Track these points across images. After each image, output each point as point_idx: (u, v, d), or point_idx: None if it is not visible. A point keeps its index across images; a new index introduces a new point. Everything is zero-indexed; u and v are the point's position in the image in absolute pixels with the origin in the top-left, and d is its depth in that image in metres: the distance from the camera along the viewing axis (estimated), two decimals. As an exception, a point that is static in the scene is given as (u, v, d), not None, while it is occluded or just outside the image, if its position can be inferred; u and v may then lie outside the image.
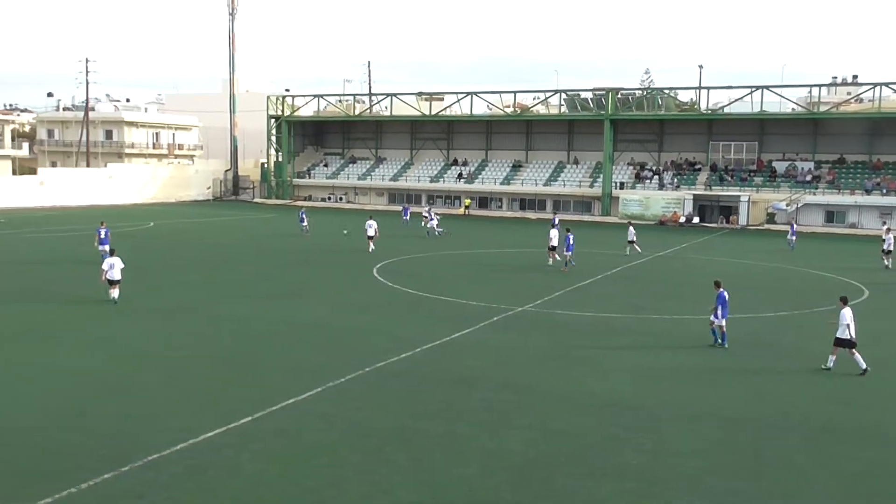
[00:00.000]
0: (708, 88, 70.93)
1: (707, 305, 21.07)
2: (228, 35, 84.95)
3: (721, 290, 19.85)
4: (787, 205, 62.24)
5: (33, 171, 76.59)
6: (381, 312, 23.86)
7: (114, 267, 24.02)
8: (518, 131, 79.45)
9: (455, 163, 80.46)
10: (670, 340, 20.73)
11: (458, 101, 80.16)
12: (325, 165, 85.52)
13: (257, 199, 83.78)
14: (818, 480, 11.81)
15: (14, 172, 77.24)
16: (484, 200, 75.81)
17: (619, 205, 67.78)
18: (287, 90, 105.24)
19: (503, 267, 35.01)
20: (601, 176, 71.18)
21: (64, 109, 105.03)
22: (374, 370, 17.02)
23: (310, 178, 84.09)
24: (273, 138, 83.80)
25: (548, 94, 78.17)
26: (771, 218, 62.51)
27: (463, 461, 12.12)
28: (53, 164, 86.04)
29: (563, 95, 75.28)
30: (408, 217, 56.66)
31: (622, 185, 70.44)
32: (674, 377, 17.29)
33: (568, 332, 21.42)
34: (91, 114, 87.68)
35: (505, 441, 13.04)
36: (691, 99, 79.76)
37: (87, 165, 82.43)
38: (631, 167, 73.29)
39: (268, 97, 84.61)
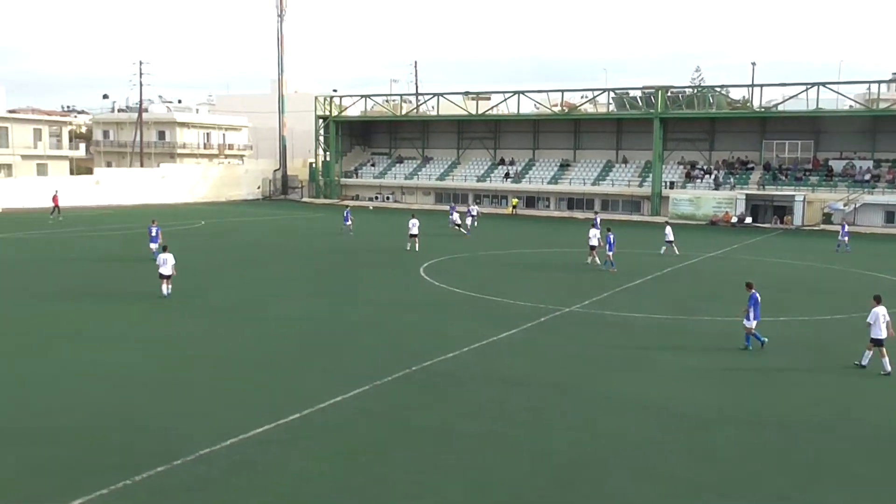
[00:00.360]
0: (761, 86, 69.59)
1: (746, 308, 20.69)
2: (277, 36, 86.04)
3: (753, 291, 19.56)
4: (845, 205, 60.81)
5: (89, 171, 78.47)
6: (427, 312, 23.94)
7: (166, 263, 25.03)
8: (565, 130, 79.02)
9: (502, 162, 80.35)
10: (722, 342, 20.42)
11: (505, 100, 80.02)
12: (373, 165, 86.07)
13: (305, 199, 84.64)
14: (877, 487, 11.55)
15: (71, 172, 79.38)
16: (531, 200, 75.56)
17: (669, 204, 66.95)
18: (335, 90, 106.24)
19: (551, 267, 34.84)
20: (650, 175, 70.41)
21: (119, 111, 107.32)
22: (420, 369, 17.10)
23: (357, 177, 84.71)
24: (321, 138, 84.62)
25: (596, 93, 77.60)
26: (827, 218, 61.11)
27: (509, 461, 12.11)
28: (108, 164, 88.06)
29: (612, 94, 74.63)
30: (454, 216, 56.71)
31: (672, 185, 69.59)
32: (725, 380, 17.05)
33: (616, 333, 21.25)
34: (145, 115, 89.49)
35: (551, 442, 13.00)
36: (743, 97, 78.38)
37: (141, 165, 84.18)
38: (681, 166, 72.36)
39: (316, 98, 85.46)
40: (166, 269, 24.95)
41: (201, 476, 11.18)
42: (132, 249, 37.79)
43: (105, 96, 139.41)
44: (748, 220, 62.90)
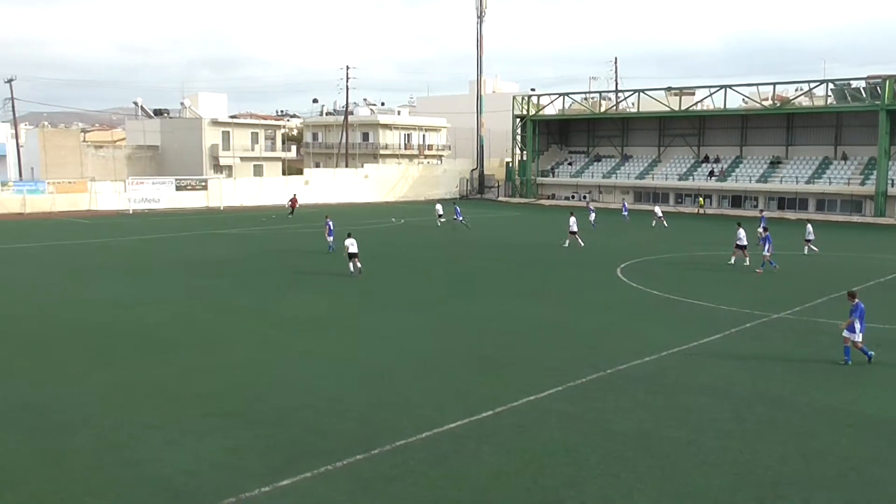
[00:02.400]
0: None
1: None
2: (476, 37, 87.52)
3: (857, 301, 17.86)
4: None
5: (300, 172, 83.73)
6: (624, 313, 23.47)
7: (353, 245, 29.75)
8: (777, 125, 74.54)
9: (706, 160, 77.14)
10: (957, 358, 18.46)
11: (711, 95, 76.76)
12: (570, 164, 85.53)
13: (501, 198, 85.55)
14: None
15: (283, 173, 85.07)
16: (737, 199, 71.97)
17: (896, 204, 61.39)
18: (532, 90, 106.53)
19: (756, 272, 32.99)
20: (874, 173, 64.90)
21: (327, 114, 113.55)
22: (616, 372, 16.80)
23: (553, 176, 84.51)
24: (518, 137, 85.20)
25: (813, 85, 72.53)
26: None
27: (710, 472, 11.62)
28: (317, 165, 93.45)
29: (831, 85, 69.50)
30: (626, 213, 57.41)
31: (900, 183, 63.75)
32: (960, 399, 15.39)
33: (830, 343, 19.75)
34: (350, 118, 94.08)
35: (757, 455, 12.33)
36: None
37: (346, 166, 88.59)
38: (911, 162, 66.11)
39: (513, 97, 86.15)
40: (353, 249, 29.60)
41: (398, 465, 11.61)
42: (340, 243, 39.93)
43: (315, 100, 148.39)
44: None
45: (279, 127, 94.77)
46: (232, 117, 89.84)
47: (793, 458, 12.26)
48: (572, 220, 41.38)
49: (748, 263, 33.29)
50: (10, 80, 74.96)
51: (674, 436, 13.09)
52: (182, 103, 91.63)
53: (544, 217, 61.38)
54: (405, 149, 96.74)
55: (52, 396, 14.77)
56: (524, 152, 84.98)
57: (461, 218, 50.42)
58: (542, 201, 79.88)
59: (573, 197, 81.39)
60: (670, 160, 79.58)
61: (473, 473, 11.44)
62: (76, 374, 16.27)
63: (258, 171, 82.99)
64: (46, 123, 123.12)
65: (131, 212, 60.14)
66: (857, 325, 17.77)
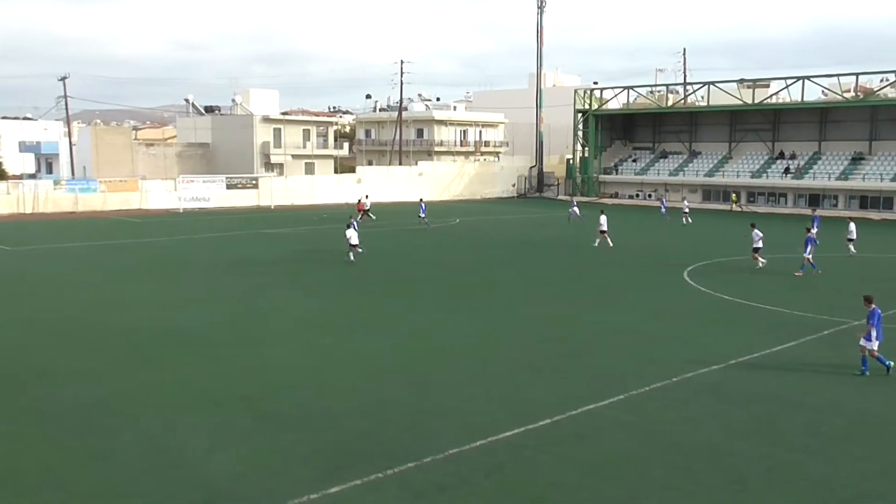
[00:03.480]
0: None
1: None
2: (536, 29, 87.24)
3: (874, 306, 17.27)
4: None
5: (352, 170, 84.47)
6: (691, 319, 23.11)
7: (354, 237, 34.18)
8: (859, 119, 72.56)
9: (781, 156, 75.52)
10: None
11: (787, 86, 75.09)
12: (634, 161, 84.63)
13: (561, 196, 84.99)
14: None
15: (336, 170, 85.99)
16: (815, 198, 70.25)
17: None
18: (595, 83, 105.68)
19: (836, 275, 32.19)
20: (966, 169, 62.76)
21: (380, 110, 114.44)
22: (682, 381, 16.53)
23: (617, 173, 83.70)
24: (579, 133, 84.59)
25: (899, 75, 70.45)
26: None
27: (783, 488, 11.35)
28: (370, 163, 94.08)
29: (918, 75, 67.40)
30: (664, 210, 58.57)
31: None
32: None
33: (917, 353, 19.15)
34: (404, 113, 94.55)
35: (834, 471, 12.01)
36: None
37: (400, 163, 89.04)
38: None
39: (575, 91, 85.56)
40: (353, 240, 34.18)
41: (451, 475, 11.59)
42: (388, 244, 40.15)
43: (368, 96, 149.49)
44: None
45: (331, 123, 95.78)
46: (283, 114, 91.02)
47: (873, 475, 11.91)
48: (602, 218, 41.77)
49: (761, 266, 32.77)
50: (63, 78, 77.30)
51: (744, 449, 12.82)
52: (233, 100, 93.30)
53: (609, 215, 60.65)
54: (461, 145, 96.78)
55: (101, 397, 15.13)
56: (585, 148, 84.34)
57: (424, 216, 51.13)
58: (604, 200, 79.13)
59: (637, 195, 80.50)
60: (742, 156, 78.13)
61: (529, 484, 11.37)
62: (124, 375, 16.64)
63: (309, 169, 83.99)
64: (99, 121, 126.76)
65: (181, 211, 61.37)
66: (874, 333, 17.27)
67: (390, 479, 11.42)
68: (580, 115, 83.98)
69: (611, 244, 40.20)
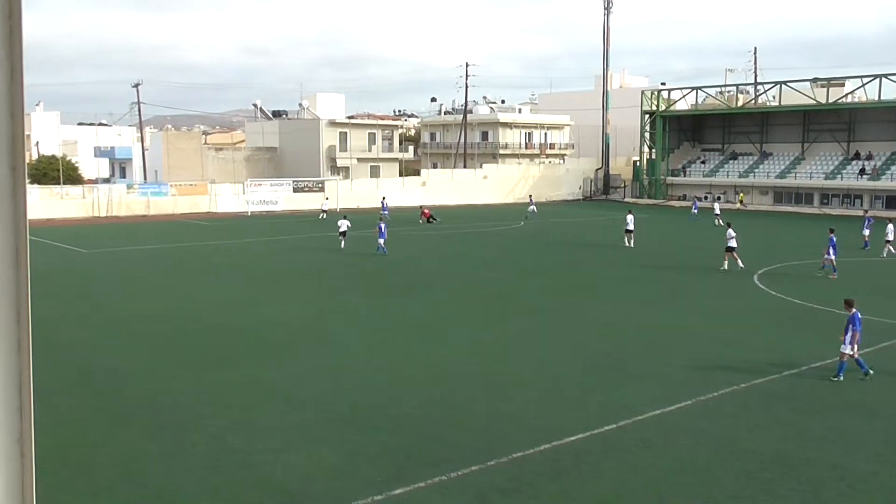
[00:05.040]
0: None
1: None
2: (603, 30, 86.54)
3: (854, 310, 16.87)
4: None
5: (416, 173, 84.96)
6: (760, 323, 22.65)
7: (345, 225, 39.52)
8: (940, 118, 70.13)
9: (856, 156, 73.40)
10: None
11: (863, 85, 72.97)
12: (703, 162, 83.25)
13: (628, 199, 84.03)
14: None
15: (400, 174, 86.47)
16: (892, 200, 68.08)
17: None
18: (662, 84, 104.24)
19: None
20: None
21: (445, 113, 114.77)
22: (751, 387, 16.23)
23: (685, 175, 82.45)
24: (646, 134, 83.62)
25: (982, 72, 67.90)
26: None
27: (857, 499, 11.06)
28: (434, 166, 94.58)
29: None
30: (696, 211, 58.87)
31: None
32: None
33: None
34: (469, 116, 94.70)
35: (912, 482, 11.64)
36: None
37: (464, 166, 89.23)
38: None
39: (642, 92, 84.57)
40: (344, 228, 39.09)
41: (514, 478, 11.59)
42: (447, 249, 40.30)
43: (433, 99, 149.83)
44: None
45: (396, 127, 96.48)
46: (349, 118, 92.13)
47: (955, 488, 11.51)
48: (629, 217, 42.08)
49: (742, 266, 32.39)
50: (136, 85, 79.43)
51: (817, 458, 12.53)
52: (300, 104, 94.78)
53: (673, 219, 59.98)
54: (526, 148, 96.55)
55: (171, 396, 15.54)
56: (653, 150, 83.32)
57: (387, 213, 52.88)
58: (672, 202, 78.06)
59: (706, 198, 79.06)
60: (815, 157, 76.18)
61: (594, 490, 11.30)
62: (194, 374, 17.06)
63: (375, 173, 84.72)
64: (170, 126, 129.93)
65: (249, 214, 62.54)
66: (849, 336, 16.82)
67: (454, 482, 11.47)
68: (647, 116, 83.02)
69: (632, 245, 40.78)
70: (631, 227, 41.72)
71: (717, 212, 57.18)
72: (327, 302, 25.83)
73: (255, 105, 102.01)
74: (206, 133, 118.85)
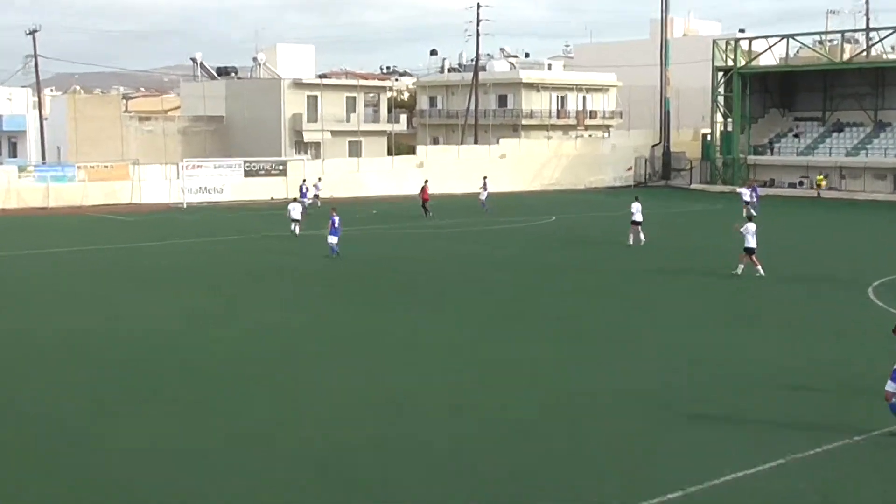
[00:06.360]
0: None
1: None
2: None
3: None
4: None
5: (411, 150, 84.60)
6: (879, 352, 22.35)
7: (296, 210, 44.85)
8: None
9: None
10: None
11: None
12: (796, 136, 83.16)
13: (695, 185, 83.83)
14: None
15: (390, 151, 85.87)
16: None
17: None
18: (741, 31, 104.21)
19: None
20: None
21: (449, 71, 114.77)
22: (867, 439, 16.02)
23: (772, 154, 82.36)
24: (720, 99, 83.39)
25: None
26: None
27: None
28: (435, 141, 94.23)
29: None
30: (755, 199, 58.84)
31: None
32: None
33: None
34: (481, 75, 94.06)
35: None
36: None
37: (475, 142, 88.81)
38: None
39: (714, 42, 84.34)
40: (295, 213, 44.58)
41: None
42: (474, 246, 40.07)
43: (433, 52, 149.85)
44: None
45: (384, 89, 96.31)
46: (321, 76, 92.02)
47: None
48: (635, 206, 42.34)
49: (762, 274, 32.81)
50: (32, 32, 79.10)
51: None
52: (255, 59, 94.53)
53: (762, 211, 59.61)
54: (558, 117, 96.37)
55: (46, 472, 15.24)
56: (728, 120, 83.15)
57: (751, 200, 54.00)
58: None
59: (801, 184, 78.80)
60: (950, 129, 76.02)
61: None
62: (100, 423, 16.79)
63: (355, 150, 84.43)
64: (78, 88, 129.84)
65: (185, 206, 62.37)
66: None
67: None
68: (721, 74, 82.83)
69: (643, 239, 41.49)
70: (638, 217, 42.00)
71: (749, 199, 56.42)
72: (295, 316, 25.91)
73: (193, 60, 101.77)
74: (127, 97, 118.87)
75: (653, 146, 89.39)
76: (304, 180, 61.73)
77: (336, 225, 37.75)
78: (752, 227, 33.48)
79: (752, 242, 33.25)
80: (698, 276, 34.37)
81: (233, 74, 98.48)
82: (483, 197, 60.22)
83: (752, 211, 50.63)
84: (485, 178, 62.11)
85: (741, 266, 33.37)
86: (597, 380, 20.18)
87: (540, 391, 19.26)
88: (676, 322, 26.26)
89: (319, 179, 64.56)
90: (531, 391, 19.26)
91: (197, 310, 27.84)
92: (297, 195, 55.54)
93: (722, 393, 19.05)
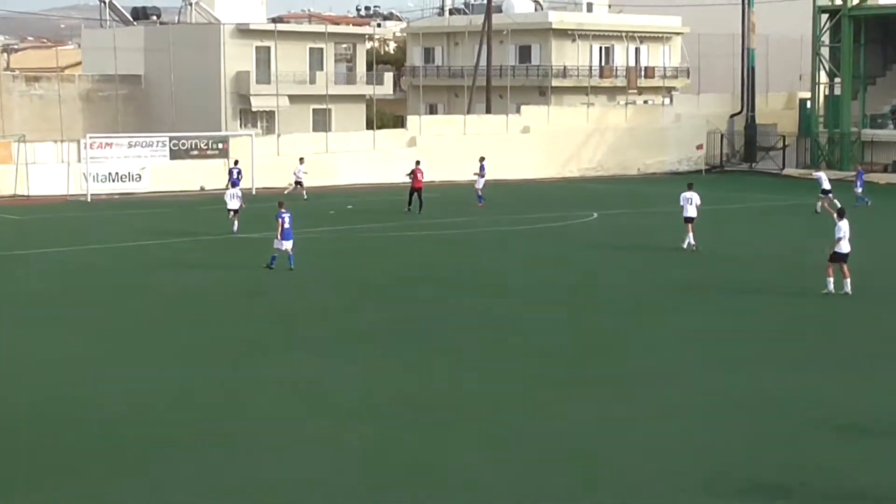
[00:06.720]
0: None
1: None
2: None
3: None
4: None
5: (398, 122, 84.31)
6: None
7: (234, 198, 47.38)
8: None
9: None
10: None
11: None
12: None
13: (788, 170, 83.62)
14: None
15: (371, 125, 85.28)
16: None
17: None
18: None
19: None
20: None
21: (450, 12, 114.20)
22: None
23: (895, 126, 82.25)
24: (824, 51, 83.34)
25: None
26: None
27: None
28: (431, 110, 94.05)
29: None
30: (860, 189, 60.81)
31: None
32: None
33: None
34: (495, 18, 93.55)
35: None
36: None
37: (487, 111, 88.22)
38: None
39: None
40: (234, 204, 47.03)
41: None
42: (489, 254, 40.02)
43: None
44: None
45: (362, 38, 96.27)
46: (275, 21, 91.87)
47: None
48: (686, 196, 43.18)
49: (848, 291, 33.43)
50: None
51: None
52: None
53: (887, 209, 59.55)
54: (601, 76, 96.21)
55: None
56: (836, 81, 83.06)
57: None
58: (873, 176, 77.17)
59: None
60: None
61: None
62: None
63: (322, 122, 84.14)
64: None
65: (89, 198, 62.25)
66: None
67: None
68: (826, 17, 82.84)
69: (693, 243, 42.26)
70: (693, 212, 42.66)
71: (827, 187, 56.89)
72: (236, 365, 25.81)
73: (102, 0, 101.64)
74: (8, 49, 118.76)
75: (731, 116, 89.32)
76: (237, 161, 62.42)
77: (287, 225, 37.79)
78: (844, 225, 33.58)
79: (844, 247, 33.34)
80: (788, 298, 34.67)
81: (154, 18, 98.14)
82: (480, 185, 60.83)
83: (836, 203, 50.41)
84: (482, 159, 61.87)
85: (830, 280, 33.62)
86: (673, 452, 20.07)
87: (607, 471, 19.12)
88: (777, 364, 26.28)
89: (302, 161, 64.52)
90: (591, 471, 19.12)
91: (59, 364, 25.91)
92: (228, 183, 55.83)
93: (814, 458, 18.92)
